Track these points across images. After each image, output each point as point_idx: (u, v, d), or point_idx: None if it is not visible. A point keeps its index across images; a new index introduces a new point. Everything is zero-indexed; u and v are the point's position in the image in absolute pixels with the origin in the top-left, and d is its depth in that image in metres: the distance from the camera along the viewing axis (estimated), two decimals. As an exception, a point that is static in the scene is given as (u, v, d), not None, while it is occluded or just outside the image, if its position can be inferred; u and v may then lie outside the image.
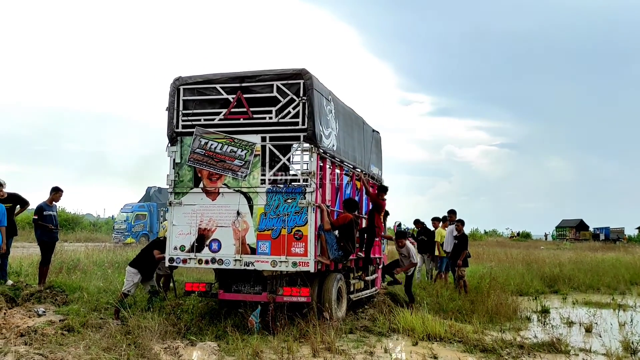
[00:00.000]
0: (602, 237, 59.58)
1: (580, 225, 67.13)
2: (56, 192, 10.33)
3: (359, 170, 10.31)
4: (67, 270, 12.00)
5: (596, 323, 9.53)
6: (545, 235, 66.89)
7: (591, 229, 65.86)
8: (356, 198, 10.09)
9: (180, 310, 8.76)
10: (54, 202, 10.36)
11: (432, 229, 14.06)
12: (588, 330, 9.05)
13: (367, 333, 8.21)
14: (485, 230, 62.30)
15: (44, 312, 8.36)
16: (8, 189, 9.82)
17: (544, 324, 9.59)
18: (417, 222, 14.46)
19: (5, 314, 8.06)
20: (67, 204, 44.69)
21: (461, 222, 12.36)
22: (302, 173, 8.17)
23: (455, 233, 12.38)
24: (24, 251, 18.24)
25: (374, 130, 11.65)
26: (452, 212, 13.30)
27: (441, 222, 13.81)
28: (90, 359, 5.86)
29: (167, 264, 8.41)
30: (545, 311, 10.69)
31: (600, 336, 8.57)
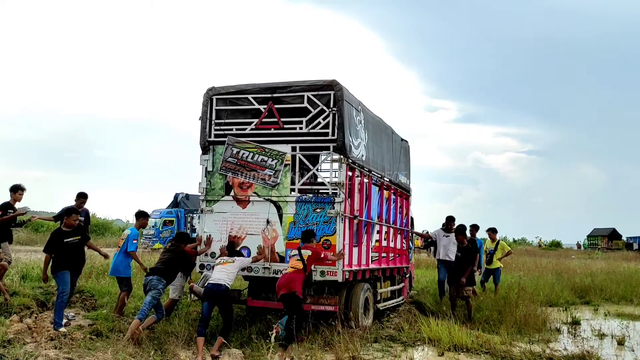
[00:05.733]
0: (635, 246, 57.85)
1: (613, 235, 65.43)
2: (77, 199, 9.93)
3: (387, 180, 10.36)
4: (97, 276, 12.11)
5: (629, 336, 9.32)
6: (579, 245, 65.00)
7: (624, 238, 64.08)
8: (384, 208, 10.14)
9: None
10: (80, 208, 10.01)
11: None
12: (620, 343, 8.88)
13: (392, 342, 8.17)
14: (514, 239, 61.29)
15: (74, 316, 8.48)
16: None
17: (574, 336, 9.45)
18: (473, 227, 12.31)
19: (36, 317, 8.23)
20: (97, 210, 45.41)
21: (461, 232, 10.49)
22: (332, 183, 8.27)
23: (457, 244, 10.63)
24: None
25: (402, 139, 11.69)
26: (450, 219, 11.67)
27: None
28: (117, 363, 6.00)
29: (197, 270, 8.61)
30: (575, 323, 10.48)
31: (633, 350, 8.42)
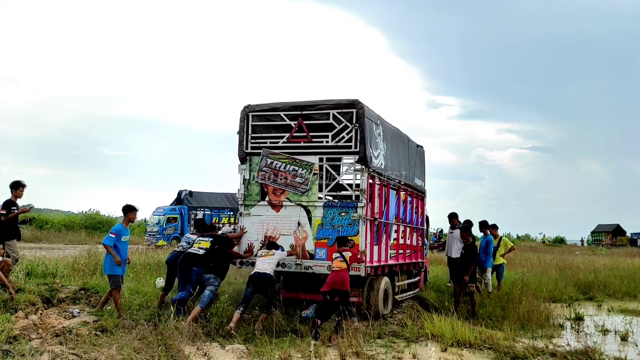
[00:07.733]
0: (639, 242, 58.25)
1: (617, 231, 65.34)
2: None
3: (404, 184, 11.16)
4: (101, 272, 11.70)
5: (632, 332, 9.24)
6: (582, 241, 64.97)
7: (628, 234, 64.04)
8: (401, 209, 10.98)
9: (209, 312, 8.63)
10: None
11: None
12: (624, 338, 8.88)
13: (395, 338, 8.23)
14: (517, 235, 61.30)
15: (79, 312, 8.63)
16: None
17: (577, 332, 9.51)
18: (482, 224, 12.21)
19: (41, 314, 8.33)
20: (101, 207, 44.49)
21: (466, 230, 10.75)
22: (355, 190, 9.14)
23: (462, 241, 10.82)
24: (60, 252, 18.27)
25: (418, 145, 12.56)
26: (453, 216, 11.84)
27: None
28: (122, 359, 6.10)
29: (237, 266, 9.63)
30: (579, 318, 10.58)
31: (637, 345, 8.45)
